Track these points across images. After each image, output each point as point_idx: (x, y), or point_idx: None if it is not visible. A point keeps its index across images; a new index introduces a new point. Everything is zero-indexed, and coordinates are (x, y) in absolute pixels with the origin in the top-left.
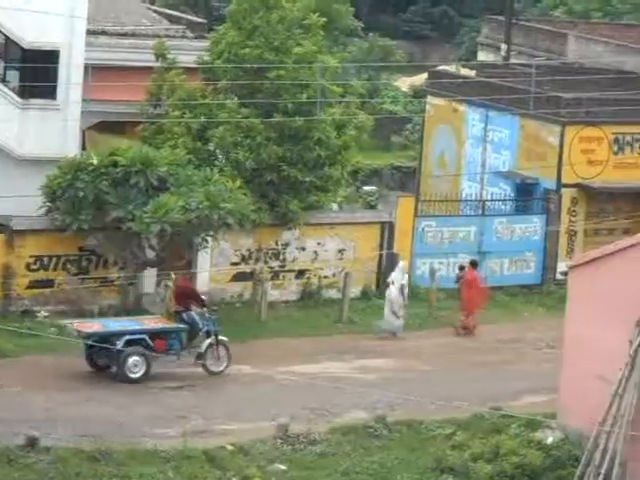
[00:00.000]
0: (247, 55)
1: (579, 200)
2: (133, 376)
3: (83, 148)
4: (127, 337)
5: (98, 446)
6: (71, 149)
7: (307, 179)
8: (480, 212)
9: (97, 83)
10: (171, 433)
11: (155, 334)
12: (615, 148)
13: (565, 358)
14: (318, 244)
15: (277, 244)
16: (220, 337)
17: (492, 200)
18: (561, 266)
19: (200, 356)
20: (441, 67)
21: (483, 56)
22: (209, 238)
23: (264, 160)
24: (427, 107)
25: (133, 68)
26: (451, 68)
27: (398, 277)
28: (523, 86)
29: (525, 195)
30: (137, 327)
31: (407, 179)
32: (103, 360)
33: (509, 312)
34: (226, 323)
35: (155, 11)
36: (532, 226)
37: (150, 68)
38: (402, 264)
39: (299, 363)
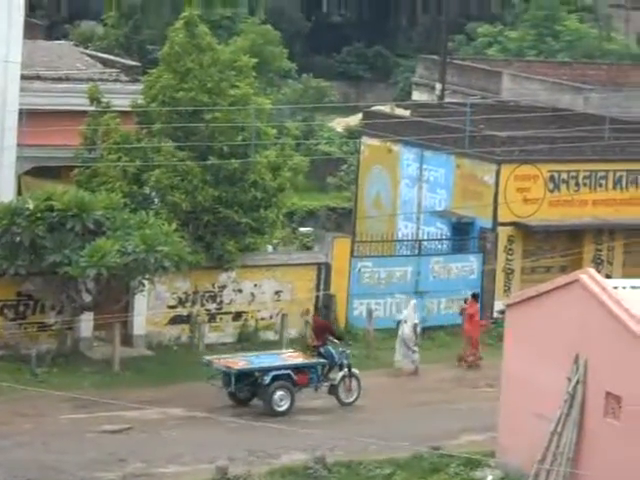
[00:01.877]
0: (181, 98)
1: (516, 238)
2: (279, 409)
3: (19, 193)
4: (274, 373)
5: None
6: (7, 194)
7: (243, 220)
8: (417, 252)
9: (31, 128)
10: (110, 477)
11: (298, 369)
12: (551, 186)
13: (503, 396)
14: (255, 286)
15: (214, 286)
16: (352, 370)
17: (428, 240)
18: (498, 305)
19: (333, 388)
20: (376, 107)
21: (418, 95)
22: (146, 281)
23: (200, 202)
24: (362, 148)
25: (67, 112)
26: (386, 108)
27: (410, 315)
28: (458, 125)
29: (461, 234)
30: (283, 363)
31: (343, 220)
32: (245, 394)
33: (449, 351)
34: (163, 366)
35: (89, 55)
36: (469, 265)
37: (84, 112)
38: (413, 303)
39: (237, 405)
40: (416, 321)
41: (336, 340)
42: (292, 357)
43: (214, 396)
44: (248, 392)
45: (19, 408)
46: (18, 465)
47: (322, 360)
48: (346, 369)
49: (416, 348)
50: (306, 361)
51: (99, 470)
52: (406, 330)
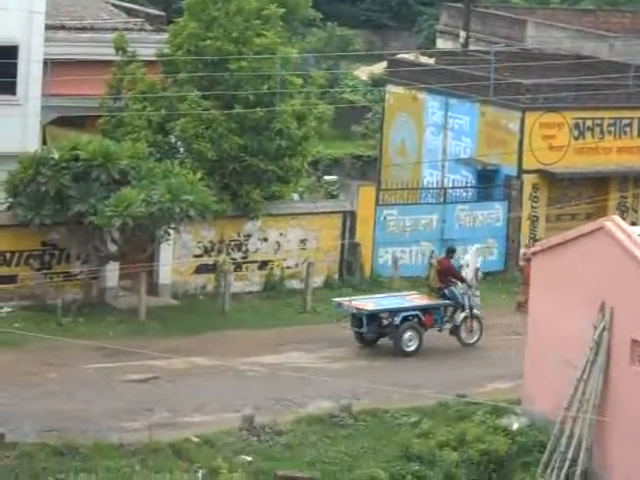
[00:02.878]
0: (207, 47)
1: (541, 186)
2: (408, 349)
3: (44, 143)
4: (403, 314)
5: (64, 441)
6: (32, 144)
7: (268, 169)
8: (442, 200)
9: (57, 78)
10: (136, 426)
11: (425, 310)
12: (576, 133)
13: (529, 344)
14: (280, 235)
15: (239, 235)
16: (474, 311)
17: (453, 187)
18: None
19: (456, 329)
20: (400, 55)
21: (442, 44)
22: (171, 231)
23: (225, 151)
24: (387, 96)
25: (92, 62)
26: (410, 56)
27: (472, 260)
28: (482, 73)
29: (486, 182)
30: (411, 304)
31: (368, 168)
32: (372, 335)
33: None
34: (189, 315)
35: (113, 4)
36: (494, 213)
37: (109, 62)
38: (476, 247)
39: (263, 354)
40: (478, 265)
41: (458, 282)
42: (418, 299)
43: (237, 345)
44: (375, 333)
45: (45, 358)
46: (44, 415)
47: (447, 301)
48: (468, 310)
49: (478, 293)
50: (433, 302)
51: (125, 419)
52: (469, 275)
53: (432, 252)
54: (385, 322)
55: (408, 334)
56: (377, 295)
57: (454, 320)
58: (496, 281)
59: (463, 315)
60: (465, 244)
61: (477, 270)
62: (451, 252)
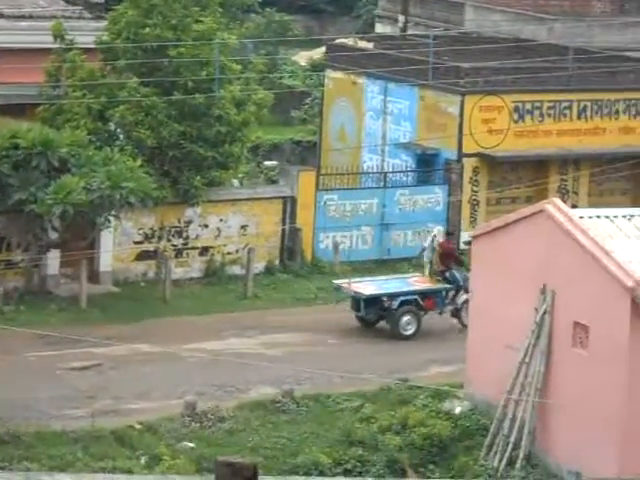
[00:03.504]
0: (146, 34)
1: (481, 170)
2: (406, 333)
3: None
4: (401, 298)
5: (6, 429)
6: None
7: (208, 155)
8: (382, 184)
9: None
10: (79, 414)
11: (425, 294)
12: (515, 116)
13: (471, 328)
14: (221, 221)
15: (180, 222)
16: None
17: (393, 172)
18: (464, 236)
19: (457, 311)
20: (339, 40)
21: (381, 28)
22: (111, 218)
23: (165, 138)
24: (326, 81)
25: (31, 50)
26: (349, 41)
27: (436, 241)
28: (421, 57)
29: (426, 166)
30: (410, 288)
31: (308, 153)
32: (372, 317)
33: None
34: (130, 302)
35: None
36: (434, 197)
37: (48, 50)
38: (437, 229)
39: (205, 340)
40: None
41: (458, 265)
42: (419, 282)
43: (178, 332)
44: (375, 315)
45: None
46: None
47: (448, 285)
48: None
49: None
50: (433, 287)
51: (68, 407)
52: (427, 254)
53: (434, 236)
54: (384, 305)
55: (406, 318)
56: (379, 277)
57: (455, 303)
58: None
59: (464, 297)
60: (405, 228)
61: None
62: (451, 235)
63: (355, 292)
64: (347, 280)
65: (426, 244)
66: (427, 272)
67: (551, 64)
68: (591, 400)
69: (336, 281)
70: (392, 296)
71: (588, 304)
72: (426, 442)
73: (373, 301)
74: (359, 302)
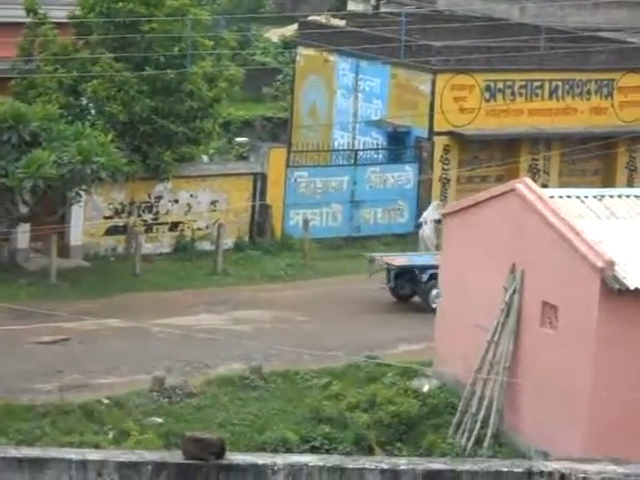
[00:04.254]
0: (119, 9)
1: (451, 148)
2: (434, 306)
3: None
4: (430, 271)
5: None
6: None
7: (179, 130)
8: (352, 162)
9: None
10: (47, 388)
11: None
12: (487, 95)
13: (440, 306)
14: (191, 196)
15: (150, 197)
16: None
17: (364, 150)
18: (434, 214)
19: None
20: (311, 18)
21: (353, 6)
22: (82, 192)
23: (136, 113)
24: (297, 58)
25: (3, 24)
26: (321, 18)
27: (430, 215)
28: (393, 35)
29: (397, 144)
30: (438, 263)
31: (279, 130)
32: (406, 291)
33: None
34: (100, 277)
35: None
36: (405, 175)
37: (21, 24)
38: (436, 203)
39: (174, 316)
40: (437, 217)
41: None
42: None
43: (148, 307)
44: (409, 289)
45: None
46: None
47: None
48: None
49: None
50: None
51: (37, 381)
52: (426, 231)
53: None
54: (415, 278)
55: (435, 291)
56: (412, 252)
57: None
58: (406, 243)
59: None
60: (375, 206)
61: (438, 223)
62: None
63: (387, 264)
64: (380, 253)
65: (422, 219)
66: (422, 248)
67: (523, 43)
68: (559, 380)
69: (370, 254)
70: (422, 269)
71: (557, 284)
72: (394, 420)
73: (404, 273)
74: (390, 274)
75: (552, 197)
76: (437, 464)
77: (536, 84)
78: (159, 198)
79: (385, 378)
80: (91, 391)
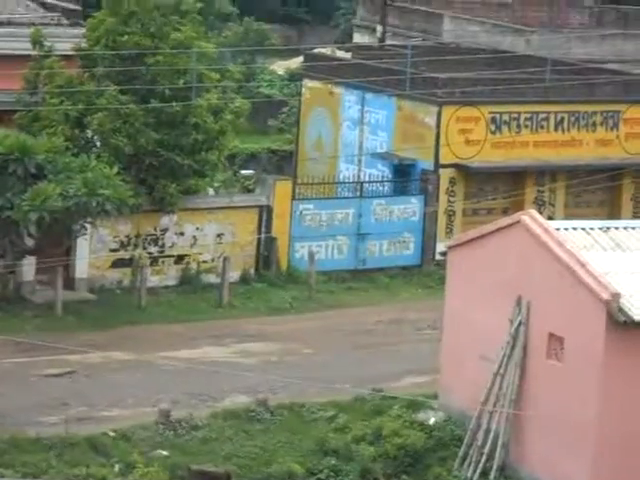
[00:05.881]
0: (124, 42)
1: (457, 180)
2: None
3: None
4: None
5: None
6: None
7: (185, 163)
8: (358, 194)
9: None
10: (53, 420)
11: None
12: (492, 127)
13: (445, 338)
14: (197, 229)
15: (156, 230)
16: None
17: (370, 182)
18: (440, 247)
19: None
20: (317, 50)
21: (359, 38)
22: (87, 225)
23: (142, 146)
24: (303, 90)
25: (9, 57)
26: (327, 51)
27: None
28: (399, 67)
29: (403, 176)
30: None
31: (284, 162)
32: None
33: (389, 294)
34: (106, 309)
35: None
36: (410, 207)
37: (26, 56)
38: None
39: (179, 348)
40: None
41: None
42: None
43: (153, 340)
44: None
45: None
46: None
47: None
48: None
49: None
50: None
51: (42, 414)
52: None
53: None
54: None
55: None
56: None
57: None
58: (412, 275)
59: None
60: (381, 238)
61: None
62: None
63: None
64: None
65: None
66: None
67: (529, 75)
68: (565, 412)
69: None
70: None
71: (563, 316)
72: (400, 452)
73: None
74: None
75: (558, 229)
76: None
77: (542, 116)
78: (165, 231)
79: (391, 411)
80: (97, 424)
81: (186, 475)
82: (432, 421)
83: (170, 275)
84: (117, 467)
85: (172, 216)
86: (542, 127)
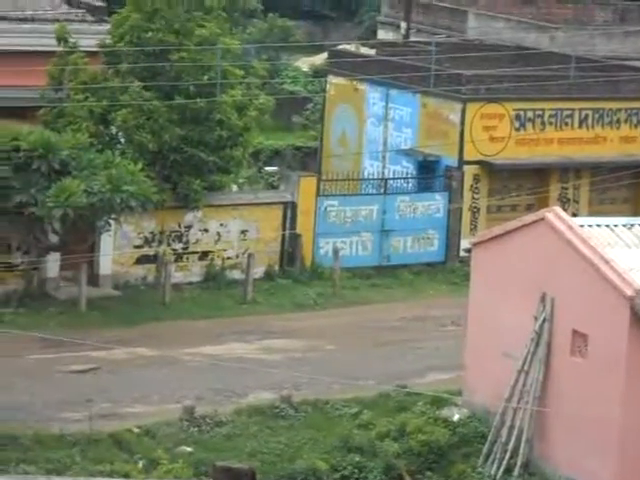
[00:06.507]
0: (149, 38)
1: (481, 177)
2: None
3: None
4: None
5: (4, 431)
6: None
7: (209, 159)
8: (382, 191)
9: None
10: (77, 417)
11: None
12: (517, 124)
13: (470, 335)
14: (221, 225)
15: (180, 226)
16: None
17: (394, 178)
18: (464, 243)
19: None
20: (341, 46)
21: (383, 34)
22: (112, 221)
23: (166, 142)
24: (328, 87)
25: (34, 53)
26: (351, 47)
27: None
28: (423, 64)
29: (427, 173)
30: None
31: (309, 159)
32: None
33: (413, 290)
34: (130, 306)
35: None
36: (435, 204)
37: (50, 53)
38: None
39: (204, 345)
40: None
41: None
42: None
43: (178, 336)
44: None
45: None
46: None
47: None
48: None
49: None
50: None
51: (66, 410)
52: None
53: None
54: None
55: None
56: None
57: None
58: (436, 272)
59: None
60: (405, 235)
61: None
62: None
63: None
64: None
65: None
66: None
67: (553, 72)
68: (589, 409)
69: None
70: None
71: (587, 313)
72: (424, 449)
73: None
74: None
75: (582, 226)
76: None
77: (566, 113)
78: (189, 227)
79: (415, 407)
80: (121, 420)
81: (211, 471)
82: (456, 418)
83: (194, 271)
84: (141, 463)
85: (196, 212)
86: (566, 124)
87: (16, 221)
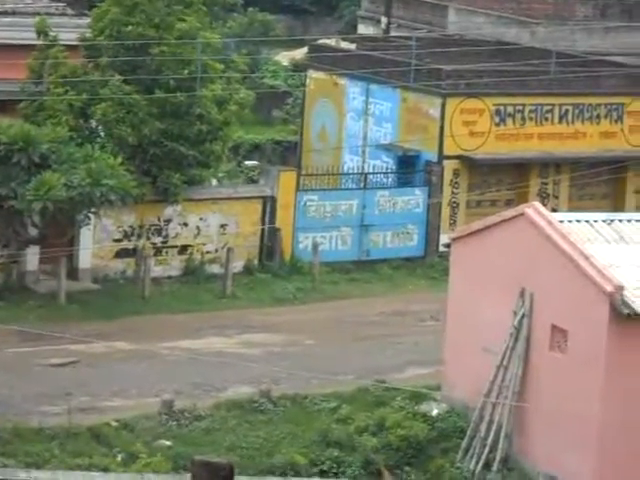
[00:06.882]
0: (129, 32)
1: (461, 172)
2: None
3: None
4: None
5: None
6: None
7: (189, 153)
8: (362, 185)
9: None
10: (56, 410)
11: None
12: (497, 119)
13: (448, 330)
14: (200, 219)
15: (159, 220)
16: None
17: (374, 173)
18: (443, 238)
19: None
20: (321, 41)
21: (363, 29)
22: (91, 215)
23: (146, 136)
24: (308, 81)
25: (13, 46)
26: (331, 42)
27: None
28: (404, 59)
29: (407, 167)
30: None
31: (288, 153)
32: None
33: (393, 285)
34: (109, 299)
35: None
36: (414, 198)
37: (30, 46)
38: None
39: (183, 339)
40: None
41: None
42: None
43: (157, 330)
44: None
45: None
46: None
47: None
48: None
49: None
50: None
51: (45, 404)
52: None
53: None
54: None
55: None
56: None
57: None
58: (416, 267)
59: None
60: (385, 230)
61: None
62: None
63: None
64: None
65: None
66: None
67: (533, 67)
68: (568, 404)
69: None
70: None
71: (567, 308)
72: (403, 443)
73: None
74: None
75: (561, 221)
76: None
77: (546, 108)
78: (168, 221)
79: (394, 402)
80: (100, 414)
81: (189, 465)
82: (435, 412)
83: (174, 265)
84: (120, 457)
85: (176, 206)
86: (546, 119)
87: None
